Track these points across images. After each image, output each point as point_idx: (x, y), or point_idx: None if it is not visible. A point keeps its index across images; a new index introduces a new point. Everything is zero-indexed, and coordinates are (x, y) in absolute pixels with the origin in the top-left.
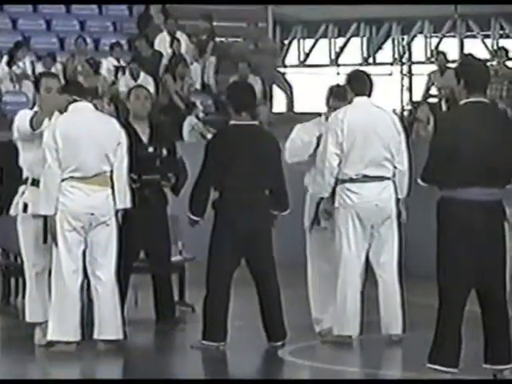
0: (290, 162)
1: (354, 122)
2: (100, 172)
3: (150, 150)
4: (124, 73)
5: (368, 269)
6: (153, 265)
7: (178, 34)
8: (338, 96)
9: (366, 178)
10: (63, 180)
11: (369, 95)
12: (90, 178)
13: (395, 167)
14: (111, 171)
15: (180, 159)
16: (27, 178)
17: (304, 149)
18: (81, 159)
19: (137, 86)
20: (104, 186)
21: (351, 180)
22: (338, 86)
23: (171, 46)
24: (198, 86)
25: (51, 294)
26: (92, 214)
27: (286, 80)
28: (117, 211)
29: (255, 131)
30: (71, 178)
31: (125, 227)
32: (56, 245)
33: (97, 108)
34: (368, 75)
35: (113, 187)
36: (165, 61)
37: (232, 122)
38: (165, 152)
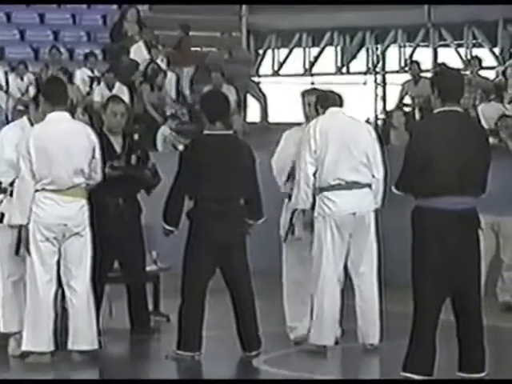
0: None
1: (327, 129)
2: (74, 185)
3: (123, 160)
4: (99, 83)
5: (345, 277)
6: (127, 274)
7: (152, 44)
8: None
9: (344, 185)
10: (37, 191)
11: (340, 106)
12: (64, 190)
13: (373, 175)
14: (86, 183)
15: (152, 165)
16: (6, 188)
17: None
18: (55, 173)
19: (114, 98)
20: (78, 197)
21: (329, 187)
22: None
23: (149, 54)
24: (173, 95)
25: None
26: (65, 225)
27: (260, 89)
28: (92, 222)
29: (229, 141)
30: (44, 189)
31: (99, 237)
32: (29, 254)
33: (73, 117)
34: (338, 94)
35: (87, 198)
36: (141, 70)
37: (206, 132)
38: (136, 161)
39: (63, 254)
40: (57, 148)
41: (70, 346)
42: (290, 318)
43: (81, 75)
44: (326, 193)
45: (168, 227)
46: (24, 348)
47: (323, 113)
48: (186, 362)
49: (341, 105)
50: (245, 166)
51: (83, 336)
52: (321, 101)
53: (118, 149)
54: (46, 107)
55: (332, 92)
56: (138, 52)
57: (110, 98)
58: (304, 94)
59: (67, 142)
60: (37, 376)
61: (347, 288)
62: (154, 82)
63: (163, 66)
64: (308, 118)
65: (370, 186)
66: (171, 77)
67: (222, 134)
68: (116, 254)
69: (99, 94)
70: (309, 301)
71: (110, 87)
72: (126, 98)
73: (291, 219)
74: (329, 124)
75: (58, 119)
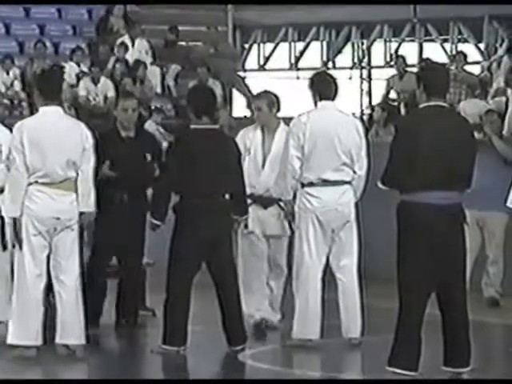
0: None
1: (316, 127)
2: (66, 178)
3: (134, 155)
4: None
5: (327, 272)
6: (123, 270)
7: (139, 39)
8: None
9: (326, 182)
10: (29, 184)
11: (334, 99)
12: (57, 183)
13: (354, 172)
14: (77, 175)
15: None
16: None
17: None
18: (48, 166)
19: (124, 94)
20: (70, 191)
21: (311, 184)
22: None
23: (133, 47)
24: (158, 89)
25: (12, 298)
26: (57, 219)
27: (245, 84)
28: (80, 214)
29: (216, 135)
30: (37, 182)
31: (100, 231)
32: (20, 248)
33: (65, 111)
34: (333, 78)
35: (77, 191)
36: (124, 65)
37: (192, 126)
38: (149, 157)
39: (53, 247)
40: (50, 141)
41: (57, 340)
42: (248, 305)
43: (67, 69)
44: (307, 188)
45: (155, 222)
46: (9, 341)
47: (315, 104)
48: (171, 356)
49: (335, 96)
50: (230, 160)
51: (71, 330)
52: (317, 90)
53: (130, 145)
54: (39, 101)
55: (329, 76)
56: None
57: (120, 93)
58: (253, 98)
59: (60, 135)
60: (22, 370)
61: (329, 282)
62: (136, 75)
63: (149, 59)
64: (259, 123)
65: (351, 182)
66: (155, 70)
67: (208, 128)
68: (115, 249)
69: (84, 88)
70: (265, 290)
71: (96, 81)
72: (111, 92)
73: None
74: (319, 121)
75: (51, 113)
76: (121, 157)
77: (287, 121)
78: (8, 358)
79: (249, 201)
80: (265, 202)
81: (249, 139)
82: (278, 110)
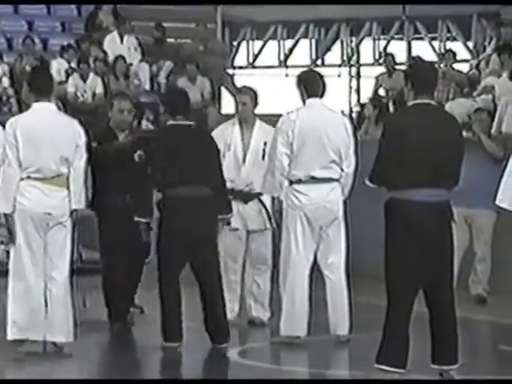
0: None
1: (305, 124)
2: (59, 174)
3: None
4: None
5: (315, 269)
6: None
7: (127, 35)
8: None
9: (314, 180)
10: (22, 179)
11: (321, 96)
12: (50, 179)
13: (342, 169)
14: (69, 172)
15: None
16: None
17: None
18: (41, 162)
19: (120, 94)
20: (62, 187)
21: (300, 181)
22: None
23: (122, 43)
24: (147, 86)
25: (8, 294)
26: (49, 214)
27: (233, 82)
28: (71, 212)
29: (193, 131)
30: (29, 177)
31: (105, 232)
32: (14, 244)
33: (59, 108)
34: (321, 76)
35: (69, 188)
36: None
37: (170, 122)
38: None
39: (46, 243)
40: (43, 137)
41: (47, 337)
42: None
43: (57, 66)
44: (295, 185)
45: (141, 219)
46: (10, 337)
47: (304, 101)
48: (158, 354)
49: (323, 93)
50: (207, 154)
51: (60, 327)
52: (305, 87)
53: (125, 146)
54: (30, 97)
55: (317, 73)
56: (112, 42)
57: (115, 94)
58: (238, 93)
59: (53, 130)
60: (17, 367)
61: (317, 279)
62: (119, 70)
63: (138, 56)
64: (241, 118)
65: (339, 180)
66: (144, 67)
67: (184, 124)
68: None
69: (73, 84)
70: (238, 287)
71: (84, 78)
72: (99, 89)
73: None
74: (308, 118)
75: (44, 109)
76: (119, 162)
77: (276, 118)
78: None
79: (230, 196)
80: (245, 196)
81: (229, 135)
82: (257, 105)
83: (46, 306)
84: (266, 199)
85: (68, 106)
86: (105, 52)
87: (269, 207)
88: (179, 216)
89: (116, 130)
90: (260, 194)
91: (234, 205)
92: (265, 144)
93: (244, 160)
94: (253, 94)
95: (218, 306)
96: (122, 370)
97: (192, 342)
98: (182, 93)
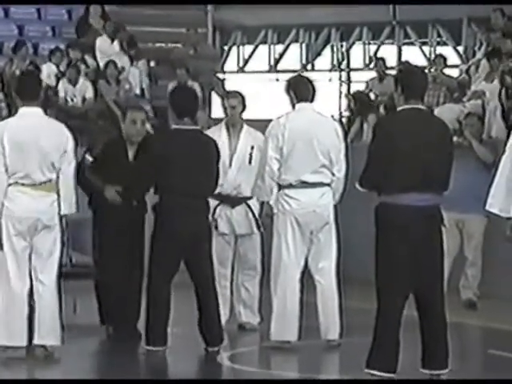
0: None
1: (295, 128)
2: (47, 180)
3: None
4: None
5: (306, 274)
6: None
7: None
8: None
9: (305, 184)
10: (10, 185)
11: (311, 101)
12: (38, 185)
13: (333, 174)
14: (57, 177)
15: None
16: None
17: None
18: (28, 168)
19: (133, 107)
20: (50, 192)
21: (290, 186)
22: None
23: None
24: (137, 90)
25: None
26: (37, 219)
27: (223, 87)
28: (61, 217)
29: (196, 136)
30: (17, 183)
31: (108, 237)
32: (1, 249)
33: (46, 113)
34: (310, 81)
35: (58, 193)
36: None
37: (174, 127)
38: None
39: (34, 247)
40: (30, 143)
41: (35, 341)
42: None
43: (47, 70)
44: (286, 190)
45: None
46: None
47: (293, 106)
48: (149, 357)
49: (312, 97)
50: (210, 161)
51: (48, 331)
52: (295, 92)
53: (131, 158)
54: (18, 102)
55: (306, 78)
56: (104, 45)
57: (128, 105)
58: (228, 97)
59: (40, 136)
60: (6, 373)
61: (307, 284)
62: (110, 74)
63: (126, 60)
64: (229, 122)
65: (329, 184)
66: (134, 72)
67: (189, 129)
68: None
69: (62, 88)
70: (227, 292)
71: (74, 83)
72: (89, 93)
73: (213, 214)
74: (298, 122)
75: (31, 114)
76: (124, 179)
77: (266, 123)
78: None
79: (216, 201)
80: (232, 201)
81: (216, 139)
82: (244, 109)
83: (33, 310)
84: (255, 203)
85: (57, 110)
86: (95, 57)
87: (258, 211)
88: (174, 219)
89: (127, 142)
90: (247, 198)
91: (222, 209)
92: (252, 148)
93: (230, 164)
94: (241, 98)
95: (212, 309)
96: (106, 374)
97: (182, 347)
98: (191, 92)
